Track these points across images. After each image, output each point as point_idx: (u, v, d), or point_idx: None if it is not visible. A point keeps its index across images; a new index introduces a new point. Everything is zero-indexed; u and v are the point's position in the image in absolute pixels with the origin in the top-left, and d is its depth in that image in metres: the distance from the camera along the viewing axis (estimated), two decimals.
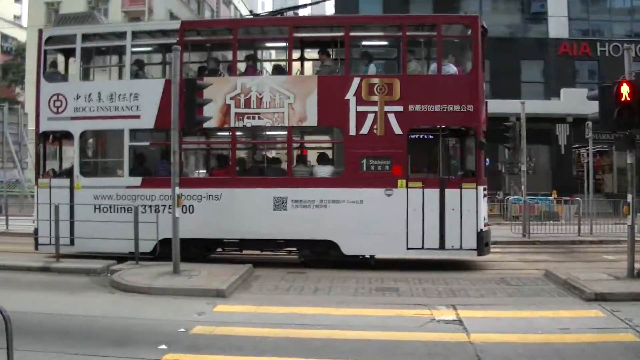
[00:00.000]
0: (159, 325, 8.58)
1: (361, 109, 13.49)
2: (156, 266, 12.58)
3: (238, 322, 8.70)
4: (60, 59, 16.13)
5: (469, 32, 13.89)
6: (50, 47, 15.45)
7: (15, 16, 65.15)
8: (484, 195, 13.50)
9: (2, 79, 56.81)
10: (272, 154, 16.54)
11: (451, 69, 14.03)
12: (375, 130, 13.45)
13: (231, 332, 8.24)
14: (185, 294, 10.60)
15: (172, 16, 45.68)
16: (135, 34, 15.05)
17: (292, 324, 8.52)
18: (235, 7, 68.25)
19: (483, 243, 13.15)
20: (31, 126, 21.20)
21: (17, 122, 26.45)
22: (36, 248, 14.60)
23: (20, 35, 55.93)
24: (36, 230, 14.58)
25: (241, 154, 15.73)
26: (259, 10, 44.30)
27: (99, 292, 11.14)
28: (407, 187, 13.28)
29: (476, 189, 13.19)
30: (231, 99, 13.90)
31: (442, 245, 13.20)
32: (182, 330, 8.21)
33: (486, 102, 14.28)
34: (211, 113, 13.39)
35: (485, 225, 13.33)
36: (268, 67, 18.44)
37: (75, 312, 9.37)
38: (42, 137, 15.34)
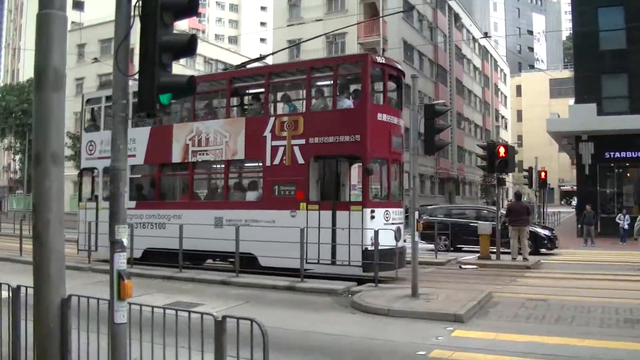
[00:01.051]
0: (399, 347, 8.93)
1: (275, 143, 16.12)
2: (395, 289, 13.62)
3: (476, 349, 8.72)
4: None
5: (359, 69, 15.69)
6: (88, 106, 21.35)
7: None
8: (372, 217, 14.81)
9: None
10: (216, 182, 19.12)
11: (345, 103, 15.95)
12: (284, 161, 15.94)
13: (469, 358, 8.32)
14: (423, 317, 10.88)
15: (406, 44, 51.69)
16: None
17: (533, 353, 8.31)
18: (468, 31, 71.60)
19: (368, 260, 14.41)
20: None
21: None
22: (77, 252, 19.63)
23: None
24: (78, 240, 19.81)
25: (196, 182, 19.05)
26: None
27: (341, 312, 11.88)
28: (307, 209, 15.42)
29: (362, 211, 14.84)
30: (189, 139, 17.84)
31: (333, 261, 15.03)
32: (422, 353, 8.43)
33: (391, 132, 15.81)
34: (176, 151, 18.11)
35: (372, 244, 14.27)
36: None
37: (319, 329, 10.17)
38: (82, 172, 21.08)
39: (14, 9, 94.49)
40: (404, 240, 16.04)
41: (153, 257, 17.85)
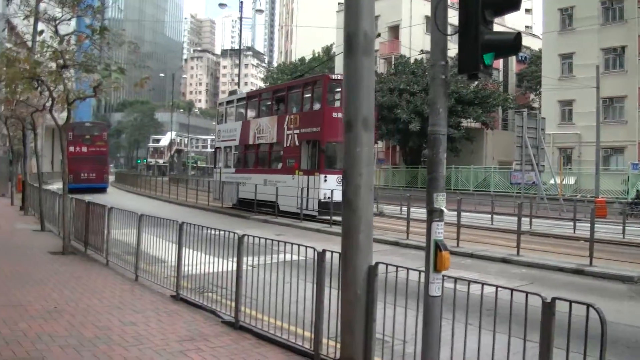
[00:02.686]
0: None
1: (288, 132, 25.95)
2: None
3: None
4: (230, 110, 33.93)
5: (321, 85, 24.49)
6: (219, 107, 36.12)
7: (526, 26, 71.88)
8: (324, 180, 23.23)
9: (518, 86, 62.80)
10: (265, 157, 28.88)
11: (316, 106, 25.02)
12: (291, 144, 25.74)
13: None
14: None
15: None
16: (239, 100, 32.84)
17: None
18: None
19: (323, 208, 22.79)
20: (548, 130, 37.19)
21: (535, 126, 30.41)
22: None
23: (534, 44, 60.71)
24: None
25: (259, 156, 29.47)
26: None
27: None
28: (299, 174, 24.78)
29: (318, 176, 23.56)
30: (256, 129, 29.12)
31: (306, 207, 23.88)
32: None
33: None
34: (251, 137, 29.58)
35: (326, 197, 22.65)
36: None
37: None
38: (215, 150, 35.76)
39: None
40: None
41: (242, 204, 28.92)
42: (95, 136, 46.42)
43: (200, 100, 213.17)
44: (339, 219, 18.64)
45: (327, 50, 74.20)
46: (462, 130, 46.45)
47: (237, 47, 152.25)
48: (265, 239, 7.63)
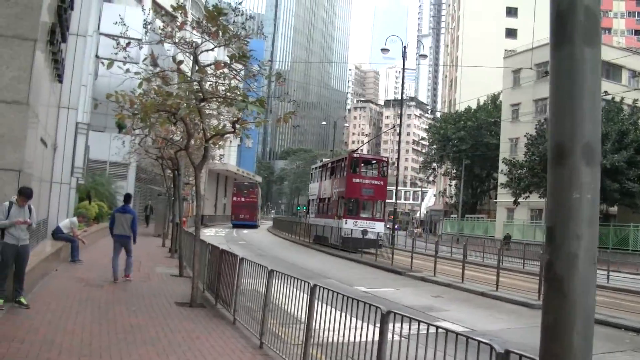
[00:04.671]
0: None
1: (334, 190, 39.04)
2: None
3: None
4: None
5: (346, 161, 37.36)
6: (311, 171, 51.56)
7: None
8: (345, 222, 35.25)
9: None
10: (328, 206, 41.13)
11: (343, 174, 37.38)
12: (334, 198, 38.94)
13: None
14: None
15: None
16: (316, 168, 49.95)
17: None
18: None
19: (345, 243, 35.08)
20: None
21: None
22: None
23: None
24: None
25: (326, 206, 41.39)
26: None
27: None
28: (337, 218, 36.74)
29: (340, 219, 36.13)
30: (323, 187, 43.08)
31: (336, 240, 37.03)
32: None
33: (361, 187, 35.95)
34: (321, 192, 43.51)
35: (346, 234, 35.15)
36: None
37: None
38: (308, 201, 52.44)
39: (450, 42, 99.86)
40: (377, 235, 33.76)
41: (319, 240, 39.38)
42: (250, 191, 66.75)
43: (362, 150, 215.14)
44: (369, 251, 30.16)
45: (494, 98, 71.08)
46: None
47: (399, 97, 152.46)
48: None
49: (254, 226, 63.54)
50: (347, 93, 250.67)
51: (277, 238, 48.65)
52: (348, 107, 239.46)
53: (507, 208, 56.91)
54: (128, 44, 11.29)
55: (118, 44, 11.44)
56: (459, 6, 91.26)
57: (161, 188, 36.99)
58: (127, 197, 15.92)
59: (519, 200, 48.41)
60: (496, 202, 62.01)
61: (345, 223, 34.60)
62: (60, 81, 16.24)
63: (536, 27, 60.29)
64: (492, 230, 58.61)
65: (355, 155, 39.18)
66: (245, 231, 55.38)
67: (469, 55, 73.48)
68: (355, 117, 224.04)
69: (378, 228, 34.82)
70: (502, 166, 52.69)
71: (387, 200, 38.86)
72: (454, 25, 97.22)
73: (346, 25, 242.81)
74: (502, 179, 53.02)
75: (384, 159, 40.81)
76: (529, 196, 47.16)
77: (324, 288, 7.25)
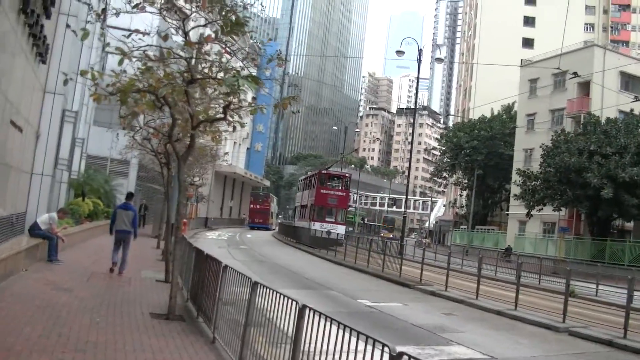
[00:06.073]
0: None
1: (310, 198, 48.95)
2: None
3: None
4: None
5: (317, 176, 49.30)
6: (299, 182, 71.41)
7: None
8: (314, 224, 44.52)
9: None
10: (305, 211, 51.15)
11: (315, 186, 47.74)
12: (307, 205, 49.96)
13: None
14: None
15: None
16: (300, 179, 67.56)
17: None
18: None
19: (313, 241, 42.58)
20: None
21: None
22: None
23: None
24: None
25: (304, 211, 51.80)
26: None
27: None
28: (311, 221, 45.66)
29: (310, 222, 45.98)
30: (302, 197, 55.56)
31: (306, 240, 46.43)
32: None
33: (327, 197, 45.97)
34: (302, 200, 55.79)
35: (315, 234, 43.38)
36: None
37: None
38: (294, 208, 68.17)
39: (466, 51, 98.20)
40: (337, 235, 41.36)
41: (298, 239, 44.93)
42: (264, 200, 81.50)
43: (372, 158, 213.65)
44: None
45: (509, 109, 69.34)
46: None
47: (412, 106, 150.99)
48: None
49: (267, 228, 75.73)
50: (360, 100, 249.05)
51: (281, 243, 48.61)
52: (360, 114, 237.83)
53: (519, 220, 55.16)
54: (104, 10, 9.77)
55: (91, 9, 9.88)
56: (476, 14, 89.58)
57: (161, 187, 35.60)
58: (129, 195, 16.76)
59: (532, 213, 46.69)
60: (508, 214, 60.28)
61: (314, 225, 43.25)
62: (44, 62, 14.81)
63: (554, 37, 58.98)
64: (502, 243, 56.83)
65: (324, 171, 51.08)
66: (249, 235, 55.84)
67: (484, 65, 71.88)
68: (367, 125, 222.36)
69: (340, 230, 43.71)
70: (515, 177, 50.98)
71: (397, 209, 42.11)
72: (470, 34, 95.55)
73: (361, 31, 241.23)
74: (515, 190, 51.30)
75: (347, 175, 52.71)
76: (542, 208, 45.47)
77: (315, 311, 5.63)
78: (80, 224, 23.16)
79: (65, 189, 23.31)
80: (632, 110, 43.95)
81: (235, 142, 77.61)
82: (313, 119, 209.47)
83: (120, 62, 9.62)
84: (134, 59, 9.61)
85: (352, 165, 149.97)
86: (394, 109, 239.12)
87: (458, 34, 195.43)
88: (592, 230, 44.91)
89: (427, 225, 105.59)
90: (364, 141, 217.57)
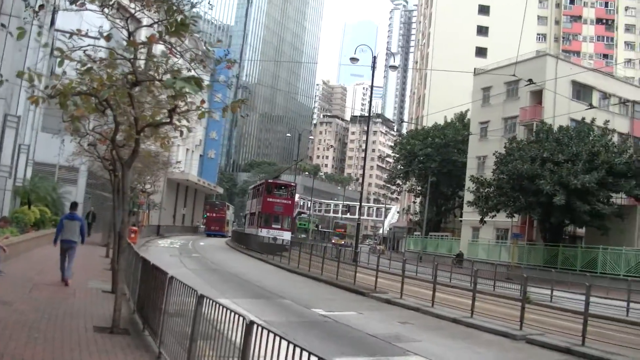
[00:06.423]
0: None
1: (257, 207, 53.40)
2: None
3: None
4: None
5: (264, 185, 52.23)
6: (249, 191, 74.93)
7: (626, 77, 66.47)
8: (261, 231, 47.71)
9: None
10: (254, 219, 55.48)
11: (262, 195, 51.25)
12: (255, 213, 54.62)
13: None
14: None
15: None
16: (250, 188, 73.27)
17: None
18: None
19: (262, 247, 42.51)
20: None
21: None
22: None
23: None
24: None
25: (253, 219, 56.02)
26: None
27: None
28: (260, 228, 48.53)
29: (257, 229, 49.69)
30: (252, 204, 61.27)
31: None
32: None
33: (274, 205, 49.53)
34: (251, 208, 61.45)
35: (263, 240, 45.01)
36: None
37: None
38: (245, 215, 76.59)
39: (420, 59, 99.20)
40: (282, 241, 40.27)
41: (248, 245, 46.63)
42: (220, 209, 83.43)
43: (326, 165, 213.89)
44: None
45: (462, 117, 70.12)
46: (613, 205, 40.83)
47: (366, 114, 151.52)
48: None
49: (223, 236, 77.06)
50: (314, 108, 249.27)
51: (233, 250, 48.54)
52: (314, 121, 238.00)
53: (473, 227, 55.68)
54: (41, 6, 9.21)
55: (28, 6, 9.27)
56: (430, 23, 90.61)
57: (110, 194, 34.55)
58: (74, 205, 16.73)
59: (485, 219, 47.15)
60: (461, 221, 60.82)
61: (261, 232, 45.70)
62: None
63: (506, 47, 59.94)
64: (456, 249, 57.25)
65: (270, 180, 54.40)
66: (202, 242, 55.32)
67: (438, 73, 72.65)
68: (321, 132, 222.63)
69: (285, 236, 44.19)
70: (468, 184, 51.49)
71: (351, 216, 42.35)
72: (424, 42, 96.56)
73: (316, 39, 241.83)
74: (468, 196, 51.78)
75: (292, 184, 55.05)
76: (495, 215, 45.95)
77: (264, 328, 5.26)
78: (25, 233, 22.26)
79: (10, 197, 22.39)
80: (583, 118, 44.82)
81: (187, 149, 76.32)
82: (267, 126, 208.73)
83: (61, 63, 9.09)
84: (74, 61, 9.09)
85: (307, 173, 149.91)
86: (347, 117, 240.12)
87: (412, 43, 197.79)
88: (544, 237, 45.56)
89: (381, 231, 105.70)
90: (318, 148, 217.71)
